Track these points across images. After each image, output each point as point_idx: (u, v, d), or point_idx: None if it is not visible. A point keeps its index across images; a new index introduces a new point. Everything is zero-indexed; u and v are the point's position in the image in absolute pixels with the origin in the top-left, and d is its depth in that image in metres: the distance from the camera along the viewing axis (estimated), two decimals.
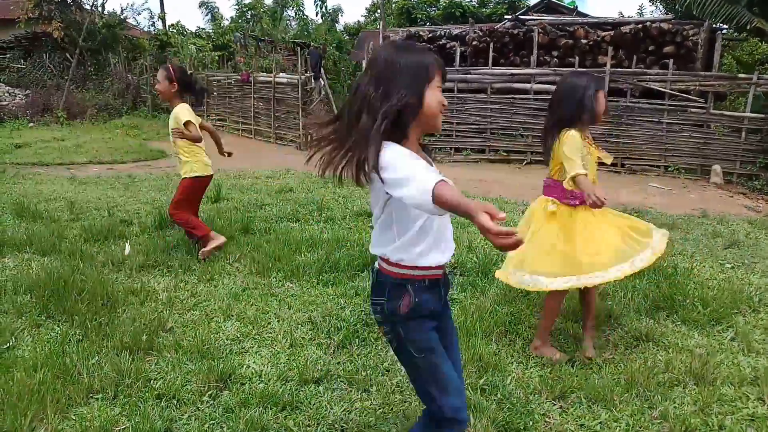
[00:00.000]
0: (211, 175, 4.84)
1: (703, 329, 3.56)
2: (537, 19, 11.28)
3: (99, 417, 2.56)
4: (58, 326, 3.45)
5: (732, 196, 8.63)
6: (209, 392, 2.79)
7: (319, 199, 6.81)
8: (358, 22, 40.09)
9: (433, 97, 1.71)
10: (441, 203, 1.47)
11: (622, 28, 10.24)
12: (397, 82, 1.67)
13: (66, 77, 18.46)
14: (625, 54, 10.11)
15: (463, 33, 11.48)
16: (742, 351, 3.28)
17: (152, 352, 3.17)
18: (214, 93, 16.90)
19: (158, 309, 3.72)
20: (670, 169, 9.99)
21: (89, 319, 3.48)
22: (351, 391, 2.86)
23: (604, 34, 10.23)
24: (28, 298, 3.81)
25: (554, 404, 2.75)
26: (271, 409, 2.66)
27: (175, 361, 3.06)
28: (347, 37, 35.89)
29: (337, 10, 40.67)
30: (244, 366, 3.06)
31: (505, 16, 13.53)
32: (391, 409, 2.71)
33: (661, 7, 22.04)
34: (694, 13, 10.13)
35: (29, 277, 4.12)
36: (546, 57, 10.69)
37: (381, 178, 1.61)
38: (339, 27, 39.76)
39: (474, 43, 11.12)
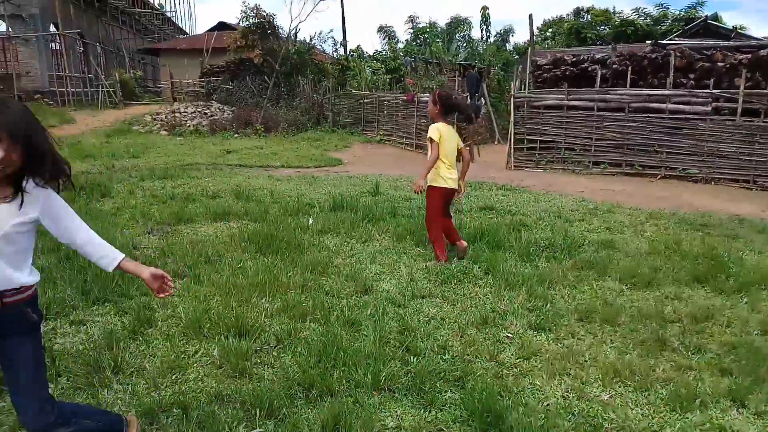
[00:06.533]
0: (449, 189, 5.42)
1: None
2: (677, 44, 11.91)
3: (293, 300, 4.37)
4: (268, 258, 5.40)
5: None
6: (356, 295, 4.54)
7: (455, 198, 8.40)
8: (528, 41, 40.56)
9: None
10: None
11: (761, 51, 10.62)
12: None
13: (264, 97, 21.92)
14: (762, 76, 10.49)
15: (605, 57, 12.43)
16: None
17: (324, 275, 4.99)
18: (384, 112, 19.22)
19: (329, 255, 5.57)
20: None
21: (287, 256, 5.42)
22: (443, 303, 4.43)
23: (741, 57, 10.67)
24: (248, 244, 5.84)
25: None
26: (391, 305, 4.33)
27: (338, 280, 4.85)
28: (516, 57, 36.62)
29: (508, 31, 41.94)
30: (379, 287, 4.76)
31: (652, 42, 14.10)
32: (467, 311, 4.24)
33: None
34: None
35: (248, 232, 6.19)
36: (683, 79, 11.33)
37: None
38: (510, 47, 40.92)
39: (614, 66, 12.05)
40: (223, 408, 2.91)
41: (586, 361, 3.54)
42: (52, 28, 27.58)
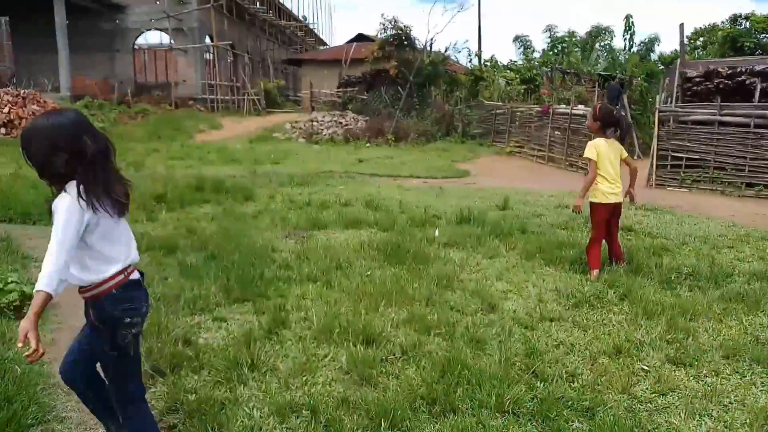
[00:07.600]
0: (611, 204, 5.38)
1: None
2: None
3: (419, 313, 4.41)
4: (394, 268, 5.50)
5: None
6: (481, 312, 4.50)
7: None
8: (675, 51, 38.12)
9: None
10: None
11: None
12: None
13: (396, 107, 22.36)
14: None
15: (767, 69, 11.39)
16: None
17: (449, 289, 5.00)
18: (516, 123, 18.88)
19: (455, 269, 5.57)
20: None
21: (413, 267, 5.48)
22: (573, 328, 4.27)
23: None
24: (376, 253, 5.98)
25: None
26: (518, 326, 4.24)
27: (463, 295, 4.84)
28: (662, 68, 34.49)
29: (654, 40, 39.53)
30: (506, 305, 4.68)
31: None
32: (600, 339, 4.05)
33: None
34: None
35: (377, 241, 6.34)
36: None
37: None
38: (654, 57, 38.57)
39: None
40: (349, 414, 3.01)
41: (731, 402, 3.26)
42: (207, 40, 29.99)
